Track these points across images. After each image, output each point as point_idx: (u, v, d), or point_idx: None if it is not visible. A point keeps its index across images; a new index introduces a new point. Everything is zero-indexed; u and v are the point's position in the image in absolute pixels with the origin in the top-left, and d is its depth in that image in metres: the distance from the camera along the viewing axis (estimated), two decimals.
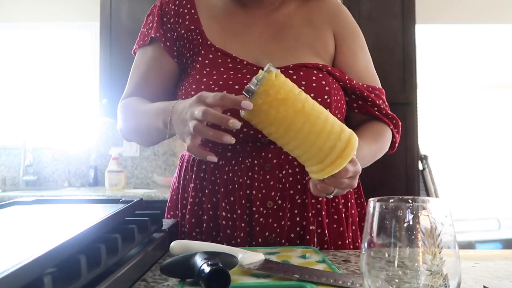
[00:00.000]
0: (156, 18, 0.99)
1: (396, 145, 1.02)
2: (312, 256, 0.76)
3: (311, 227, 0.89)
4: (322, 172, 0.70)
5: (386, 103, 1.01)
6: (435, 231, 0.42)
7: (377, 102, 0.97)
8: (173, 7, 0.99)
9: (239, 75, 0.90)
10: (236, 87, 0.88)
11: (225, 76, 0.90)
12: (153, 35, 0.98)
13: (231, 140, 0.68)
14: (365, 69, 1.01)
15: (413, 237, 0.42)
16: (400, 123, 1.01)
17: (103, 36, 2.77)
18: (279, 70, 0.69)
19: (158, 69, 0.98)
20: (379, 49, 2.62)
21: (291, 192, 0.89)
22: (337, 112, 0.92)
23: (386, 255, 0.43)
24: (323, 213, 0.90)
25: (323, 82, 0.90)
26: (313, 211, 0.90)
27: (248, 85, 0.68)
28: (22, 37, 3.22)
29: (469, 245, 3.58)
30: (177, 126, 0.77)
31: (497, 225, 3.79)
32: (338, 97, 0.93)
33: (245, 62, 0.92)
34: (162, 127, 0.82)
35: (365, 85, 0.98)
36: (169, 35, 0.98)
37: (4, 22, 3.18)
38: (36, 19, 3.18)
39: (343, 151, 0.68)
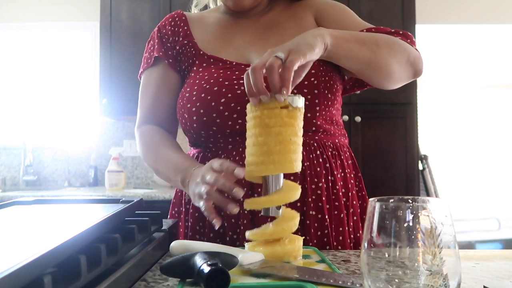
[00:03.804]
0: (156, 40, 1.07)
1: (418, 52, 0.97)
2: (312, 256, 0.76)
3: (311, 212, 0.91)
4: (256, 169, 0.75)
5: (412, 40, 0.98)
6: (435, 231, 0.42)
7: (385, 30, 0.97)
8: (169, 27, 1.07)
9: (228, 72, 0.96)
10: (226, 83, 0.94)
11: (215, 75, 0.96)
12: (156, 55, 1.05)
13: (234, 209, 0.74)
14: (354, 22, 1.01)
15: (413, 237, 0.42)
16: (414, 39, 0.98)
17: (103, 36, 2.77)
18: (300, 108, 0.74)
19: (167, 86, 1.05)
20: None
21: (291, 178, 0.90)
22: (327, 92, 0.94)
23: (386, 255, 0.43)
24: (323, 198, 0.92)
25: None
26: (313, 197, 0.91)
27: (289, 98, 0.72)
28: (22, 37, 3.22)
29: (469, 245, 3.58)
30: (191, 188, 0.83)
31: (497, 225, 3.79)
32: (327, 78, 0.95)
33: (234, 63, 0.98)
34: (180, 185, 0.90)
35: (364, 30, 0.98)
36: (170, 52, 1.05)
37: (4, 22, 3.18)
38: (36, 19, 3.18)
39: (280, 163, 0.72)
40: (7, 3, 3.18)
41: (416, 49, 0.97)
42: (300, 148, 0.75)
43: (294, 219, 0.76)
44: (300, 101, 0.73)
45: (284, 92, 0.71)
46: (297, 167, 0.74)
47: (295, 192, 0.76)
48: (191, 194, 0.83)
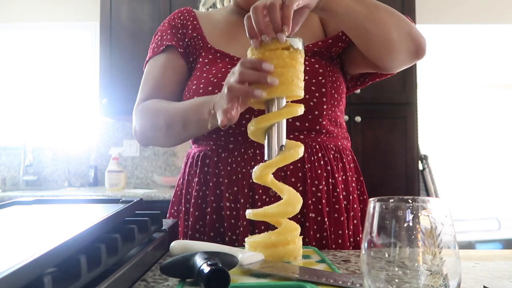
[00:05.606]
0: (168, 31, 1.08)
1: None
2: (312, 256, 0.76)
3: (310, 214, 0.91)
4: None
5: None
6: (435, 231, 0.42)
7: None
8: (178, 21, 1.09)
9: None
10: None
11: (223, 70, 0.97)
12: (169, 43, 1.05)
13: (263, 94, 0.71)
14: None
15: (413, 237, 0.42)
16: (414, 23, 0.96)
17: (103, 36, 2.77)
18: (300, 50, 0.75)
19: (173, 69, 1.05)
20: None
21: (292, 180, 0.91)
22: (333, 91, 0.97)
23: (386, 255, 0.43)
24: (323, 201, 0.92)
25: (316, 66, 0.96)
26: (313, 199, 0.92)
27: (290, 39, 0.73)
28: (22, 37, 3.22)
29: (469, 245, 3.58)
30: (216, 106, 0.80)
31: (497, 225, 3.79)
32: (334, 78, 0.98)
33: (241, 59, 0.96)
34: (206, 116, 0.85)
35: None
36: (181, 43, 1.07)
37: (4, 22, 3.18)
38: (36, 19, 3.18)
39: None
40: (7, 3, 3.18)
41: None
42: (302, 93, 0.75)
43: (298, 146, 0.75)
44: (300, 43, 0.74)
45: (285, 30, 0.71)
46: (300, 95, 0.74)
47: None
48: (217, 111, 0.79)
